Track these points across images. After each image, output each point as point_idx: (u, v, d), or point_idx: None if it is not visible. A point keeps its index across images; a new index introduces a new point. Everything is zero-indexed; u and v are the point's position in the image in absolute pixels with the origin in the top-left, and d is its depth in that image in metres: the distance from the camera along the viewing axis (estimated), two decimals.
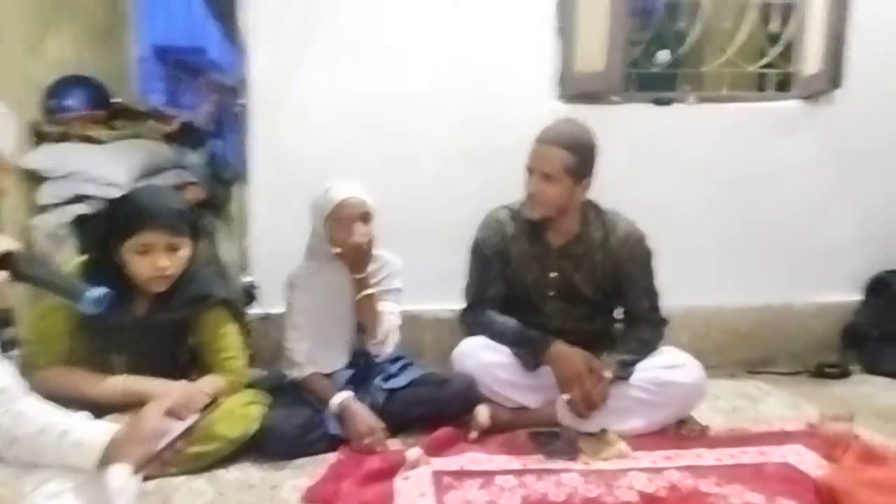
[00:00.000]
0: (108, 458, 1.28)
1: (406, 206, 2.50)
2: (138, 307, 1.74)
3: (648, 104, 2.63)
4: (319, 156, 2.47)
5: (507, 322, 2.02)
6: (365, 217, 1.96)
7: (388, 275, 2.10)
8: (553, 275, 2.05)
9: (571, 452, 1.79)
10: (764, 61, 2.78)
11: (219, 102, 5.74)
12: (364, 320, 2.00)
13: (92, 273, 1.64)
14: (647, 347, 2.03)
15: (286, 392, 1.94)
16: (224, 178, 3.54)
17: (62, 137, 2.72)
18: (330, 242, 1.99)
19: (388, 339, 2.01)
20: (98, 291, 1.07)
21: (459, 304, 2.43)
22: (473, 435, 1.88)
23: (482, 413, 1.91)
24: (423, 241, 2.49)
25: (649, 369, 1.96)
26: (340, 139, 2.51)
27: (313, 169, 2.33)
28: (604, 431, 1.87)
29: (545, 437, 1.87)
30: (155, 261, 1.65)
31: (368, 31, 2.50)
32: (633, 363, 1.97)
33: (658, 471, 1.71)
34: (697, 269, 2.60)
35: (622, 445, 1.81)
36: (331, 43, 2.49)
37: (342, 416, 1.85)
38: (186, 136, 3.31)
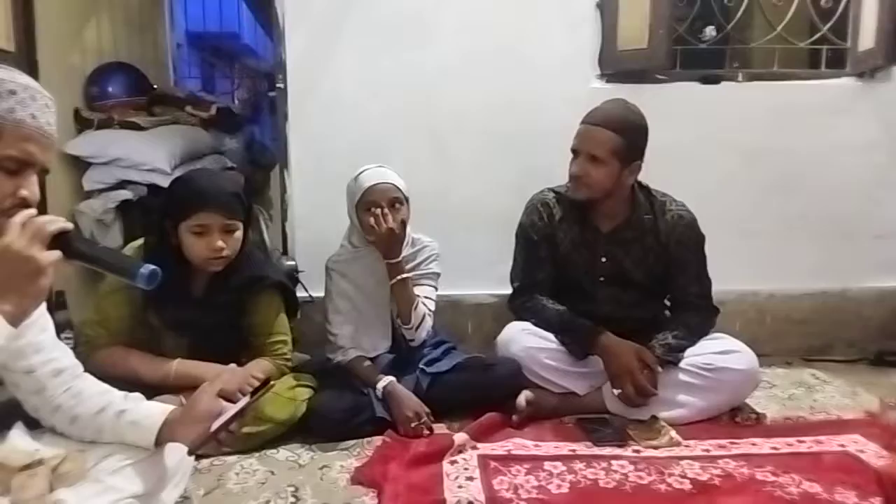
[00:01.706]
0: (163, 437, 1.29)
1: (444, 191, 2.49)
2: (195, 289, 1.77)
3: (695, 83, 2.55)
4: (355, 140, 2.46)
5: (557, 309, 1.98)
6: (395, 202, 1.94)
7: (425, 259, 2.09)
8: (603, 259, 2.01)
9: (621, 439, 1.76)
10: (816, 36, 2.67)
11: (253, 88, 5.80)
12: (398, 305, 1.98)
13: (151, 255, 1.67)
14: (695, 333, 1.98)
15: (331, 375, 1.94)
16: (261, 163, 3.57)
17: (104, 124, 2.76)
18: (362, 228, 1.99)
19: (421, 325, 1.99)
20: (150, 267, 1.07)
21: (500, 290, 2.41)
22: (517, 419, 1.86)
23: (527, 398, 1.89)
24: (462, 225, 2.48)
25: (701, 355, 1.91)
26: (376, 123, 2.49)
27: (350, 153, 2.33)
28: (654, 419, 1.83)
29: (593, 423, 1.84)
30: (211, 242, 1.67)
31: (404, 13, 2.46)
32: (680, 349, 1.93)
33: (712, 459, 1.67)
34: (749, 254, 2.53)
35: (673, 433, 1.77)
36: (366, 27, 2.46)
37: (387, 399, 1.84)
38: (224, 122, 3.33)
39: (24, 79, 1.10)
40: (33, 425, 1.31)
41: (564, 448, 1.73)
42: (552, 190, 2.10)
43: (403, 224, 1.96)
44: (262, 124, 4.53)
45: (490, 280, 2.48)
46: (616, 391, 1.86)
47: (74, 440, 1.29)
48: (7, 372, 1.22)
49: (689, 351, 1.93)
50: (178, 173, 2.70)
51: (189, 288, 1.76)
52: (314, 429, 1.77)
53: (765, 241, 2.57)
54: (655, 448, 1.73)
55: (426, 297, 2.03)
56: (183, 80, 4.32)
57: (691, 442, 1.76)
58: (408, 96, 2.49)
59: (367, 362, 1.96)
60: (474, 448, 1.72)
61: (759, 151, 2.53)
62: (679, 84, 2.53)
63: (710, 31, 2.71)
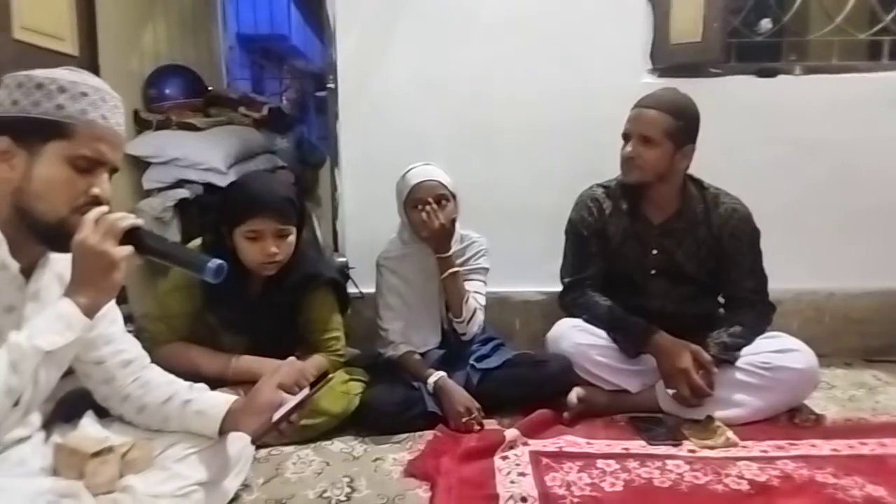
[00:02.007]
0: (227, 426, 1.33)
1: (492, 187, 2.50)
2: (252, 289, 1.81)
3: (751, 76, 2.48)
4: (404, 138, 2.48)
5: (609, 305, 1.97)
6: (441, 199, 1.96)
7: (475, 254, 2.10)
8: (654, 252, 1.99)
9: (675, 439, 1.73)
10: (877, 28, 2.58)
11: (300, 88, 5.90)
12: (449, 299, 2.00)
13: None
14: (751, 331, 1.93)
15: (382, 370, 1.97)
16: (310, 161, 3.63)
17: (162, 125, 2.85)
18: (411, 226, 2.01)
19: (473, 319, 2.00)
20: (217, 261, 1.11)
21: (548, 287, 2.41)
22: (568, 417, 1.85)
23: (578, 395, 1.88)
24: (510, 222, 2.48)
25: (758, 353, 1.87)
26: (425, 120, 2.50)
27: (399, 151, 2.35)
28: (709, 419, 1.80)
29: (646, 422, 1.82)
30: (265, 247, 1.71)
31: (452, 11, 2.47)
32: (736, 347, 1.89)
33: (770, 460, 1.63)
34: (806, 251, 2.46)
35: (729, 433, 1.74)
36: (414, 25, 2.48)
37: (438, 394, 1.86)
38: (275, 122, 3.39)
39: (94, 81, 1.15)
40: (102, 414, 1.37)
41: (617, 446, 1.71)
42: (601, 185, 2.09)
43: (453, 220, 1.97)
44: (310, 124, 4.61)
45: (538, 277, 2.48)
46: (670, 391, 1.84)
47: (142, 428, 1.35)
48: (79, 362, 1.28)
49: (745, 349, 1.89)
50: (233, 172, 2.79)
51: (245, 288, 1.80)
52: (367, 422, 1.80)
53: (823, 237, 2.49)
54: (711, 448, 1.70)
55: (476, 292, 2.04)
56: (234, 81, 4.42)
57: (748, 443, 1.72)
58: (456, 93, 2.50)
59: (418, 357, 1.98)
60: (525, 444, 1.72)
61: (817, 146, 2.46)
62: (734, 78, 2.48)
63: (765, 23, 2.64)
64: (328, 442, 1.74)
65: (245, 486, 1.47)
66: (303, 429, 1.69)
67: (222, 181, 2.77)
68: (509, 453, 1.67)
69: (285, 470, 1.59)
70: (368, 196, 2.50)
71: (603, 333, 1.95)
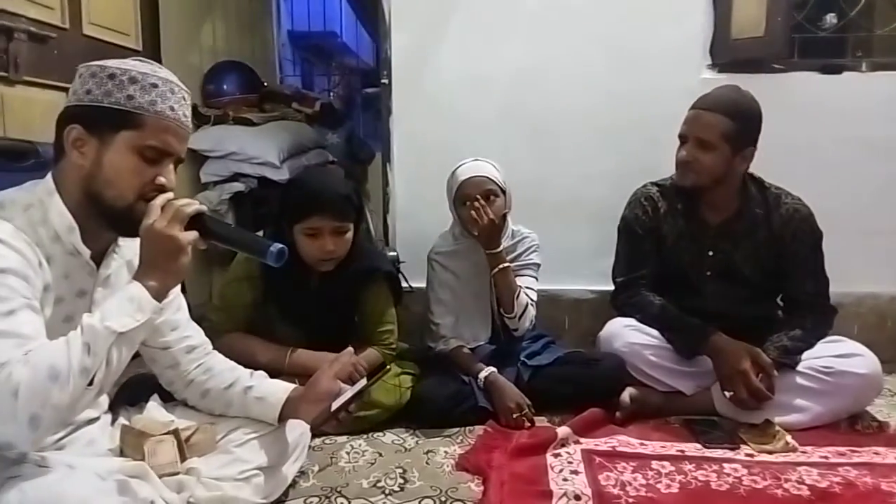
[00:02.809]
0: (286, 413, 1.36)
1: (543, 184, 2.48)
2: (310, 282, 1.84)
3: (815, 72, 2.41)
4: (456, 133, 2.48)
5: (664, 305, 1.93)
6: (489, 194, 1.95)
7: (526, 250, 2.09)
8: (710, 253, 1.95)
9: (732, 442, 1.70)
10: None
11: (348, 85, 5.96)
12: (499, 294, 1.99)
13: None
14: (811, 335, 1.88)
15: (433, 364, 1.98)
16: (360, 157, 3.67)
17: (219, 120, 2.92)
18: (460, 221, 2.02)
19: (524, 315, 1.99)
20: (279, 246, 1.13)
21: (598, 285, 2.39)
22: (621, 416, 1.83)
23: (631, 395, 1.85)
24: (561, 219, 2.47)
25: (819, 357, 1.81)
26: (477, 116, 2.50)
27: (450, 146, 2.36)
28: (767, 423, 1.75)
29: (702, 425, 1.78)
30: (323, 244, 1.74)
31: (508, 7, 2.46)
32: (797, 351, 1.84)
33: (831, 466, 1.58)
34: (869, 253, 2.38)
35: (788, 438, 1.69)
36: (469, 22, 2.48)
37: (488, 389, 1.86)
38: (326, 118, 3.44)
39: (164, 72, 1.17)
40: (166, 398, 1.42)
41: (672, 448, 1.68)
42: (655, 184, 2.05)
43: (503, 215, 1.97)
44: (359, 120, 4.66)
45: (588, 275, 2.46)
46: (727, 393, 1.80)
47: (204, 413, 1.38)
48: (145, 347, 1.32)
49: (806, 353, 1.84)
50: (286, 167, 2.85)
51: (304, 281, 1.83)
52: (418, 415, 1.81)
53: (887, 239, 2.40)
54: (770, 453, 1.65)
55: (527, 288, 2.03)
56: (285, 78, 4.50)
57: (808, 448, 1.67)
58: (509, 88, 2.49)
59: (468, 352, 1.99)
60: (577, 442, 1.70)
61: (882, 145, 2.37)
62: (797, 74, 2.40)
63: (830, 18, 2.56)
64: (380, 433, 1.76)
65: (301, 473, 1.49)
66: (356, 419, 1.72)
67: (276, 175, 2.83)
68: (561, 451, 1.66)
69: (339, 459, 1.62)
70: (419, 191, 2.51)
71: (656, 333, 1.92)
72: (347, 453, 1.65)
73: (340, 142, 3.55)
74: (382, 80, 2.56)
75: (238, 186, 2.81)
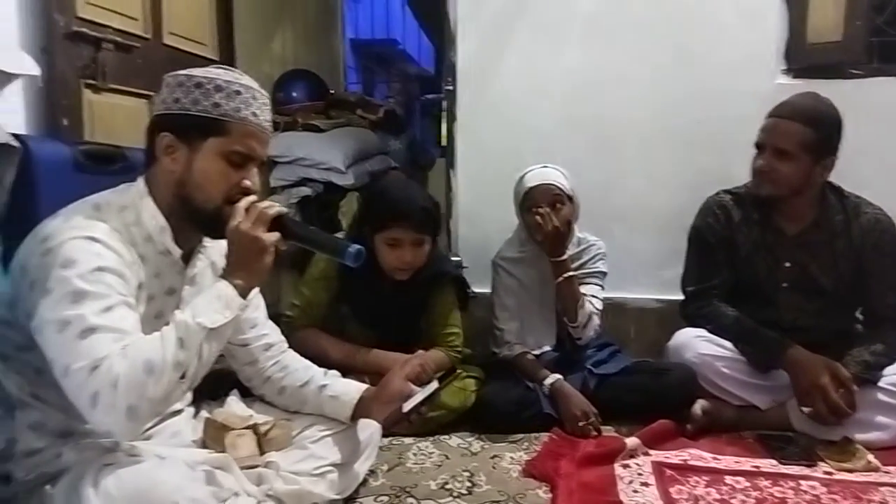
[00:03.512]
0: (358, 412, 1.39)
1: (609, 190, 2.45)
2: (385, 285, 1.87)
3: (895, 77, 2.31)
4: (522, 139, 2.48)
5: (737, 316, 1.87)
6: (556, 202, 1.94)
7: (592, 258, 2.08)
8: (787, 264, 1.88)
9: (809, 459, 1.63)
10: None
11: (407, 91, 6.04)
12: (564, 303, 1.98)
13: None
14: (894, 350, 1.79)
15: (497, 369, 1.98)
16: (421, 162, 3.72)
17: (288, 126, 3.01)
18: (526, 228, 2.01)
19: (588, 323, 1.98)
20: (356, 246, 1.15)
21: (665, 294, 2.34)
22: (692, 429, 1.78)
23: (703, 408, 1.81)
24: (628, 226, 2.43)
25: None
26: (542, 122, 2.49)
27: (514, 152, 2.37)
28: (847, 440, 1.68)
29: (777, 440, 1.72)
30: (402, 255, 1.78)
31: (575, 13, 2.45)
32: (879, 366, 1.76)
33: None
34: None
35: (870, 457, 1.62)
36: (536, 28, 2.48)
37: (554, 397, 1.85)
38: (389, 124, 3.50)
39: (246, 79, 1.21)
40: (245, 393, 1.46)
41: (746, 463, 1.64)
42: (728, 192, 2.00)
43: (569, 223, 1.95)
44: (419, 126, 4.72)
45: (655, 283, 2.42)
46: (805, 409, 1.73)
47: (280, 409, 1.42)
48: (227, 344, 1.36)
49: (888, 369, 1.76)
50: (351, 172, 2.91)
51: (380, 284, 1.87)
52: (483, 419, 1.81)
53: None
54: (850, 471, 1.58)
55: (592, 296, 2.01)
56: (348, 85, 4.59)
57: (891, 468, 1.60)
58: (575, 95, 2.47)
59: (532, 358, 1.98)
60: (646, 454, 1.67)
61: None
62: (877, 80, 2.30)
63: None
64: (445, 436, 1.78)
65: (371, 472, 1.52)
66: (423, 422, 1.73)
67: (342, 180, 2.90)
68: (630, 462, 1.63)
69: (406, 459, 1.64)
70: (483, 197, 2.52)
71: (729, 345, 1.87)
72: (414, 454, 1.67)
73: (402, 148, 3.61)
74: (447, 87, 2.59)
75: (305, 191, 2.89)
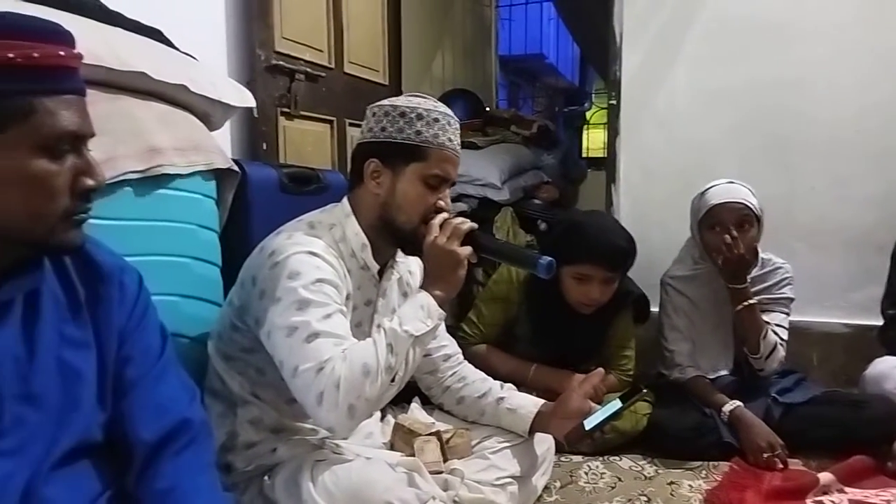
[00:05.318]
0: (536, 426, 1.41)
1: (788, 204, 2.30)
2: (565, 313, 1.85)
3: None
4: (688, 153, 2.40)
5: None
6: (743, 223, 1.81)
7: (777, 282, 1.92)
8: None
9: None
10: None
11: (551, 105, 6.04)
12: (744, 333, 1.85)
13: None
14: None
15: (667, 392, 1.91)
16: (573, 177, 3.70)
17: None
18: (704, 248, 1.90)
19: (772, 356, 1.83)
20: (548, 259, 1.17)
21: (853, 318, 2.15)
22: (894, 467, 1.62)
23: None
24: (811, 245, 2.27)
25: None
26: (711, 135, 2.40)
27: (680, 168, 2.30)
28: None
29: None
30: (589, 291, 1.77)
31: (753, 21, 2.33)
32: None
33: None
34: None
35: None
36: (706, 39, 2.39)
37: (734, 425, 1.75)
38: (542, 139, 3.51)
39: (442, 107, 1.29)
40: (423, 401, 1.54)
41: None
42: None
43: (755, 249, 1.84)
44: (567, 140, 4.69)
45: (841, 306, 2.24)
46: None
47: (459, 418, 1.48)
48: None
49: None
50: (506, 187, 2.96)
51: (560, 312, 1.85)
52: (656, 443, 1.76)
53: None
54: None
55: (777, 325, 1.87)
56: (500, 101, 4.68)
57: None
58: (745, 106, 2.36)
59: (707, 382, 1.89)
60: (841, 491, 1.54)
61: None
62: None
63: None
64: (616, 457, 1.75)
65: (545, 488, 1.53)
66: (593, 442, 1.71)
67: (497, 196, 2.95)
68: (824, 498, 1.51)
69: (578, 478, 1.63)
70: (646, 212, 2.45)
71: None
72: (586, 473, 1.66)
73: (555, 162, 3.61)
74: (611, 102, 2.56)
75: (462, 206, 2.96)
